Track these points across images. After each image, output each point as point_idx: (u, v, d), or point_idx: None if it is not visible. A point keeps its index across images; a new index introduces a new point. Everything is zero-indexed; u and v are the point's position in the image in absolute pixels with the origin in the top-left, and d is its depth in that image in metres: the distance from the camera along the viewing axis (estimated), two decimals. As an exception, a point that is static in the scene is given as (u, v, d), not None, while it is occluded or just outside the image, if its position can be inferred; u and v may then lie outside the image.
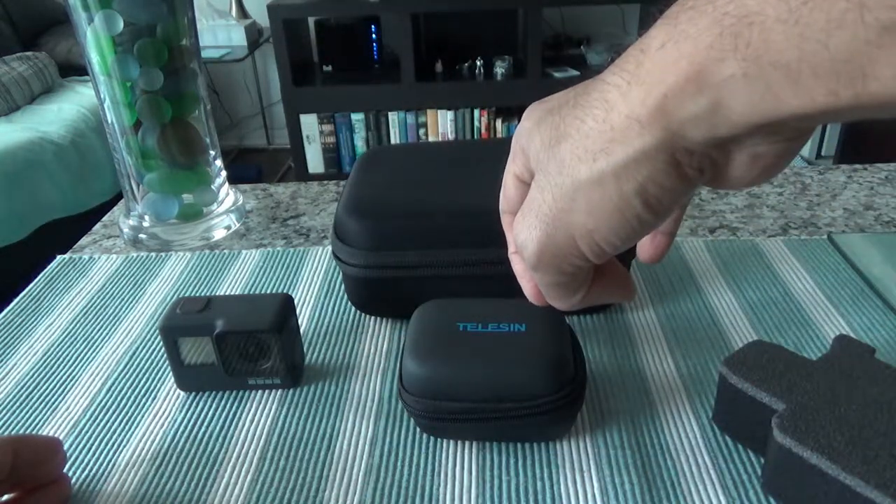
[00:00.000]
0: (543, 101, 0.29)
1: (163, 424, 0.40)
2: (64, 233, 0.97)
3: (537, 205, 0.26)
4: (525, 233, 0.27)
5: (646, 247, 0.34)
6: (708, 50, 0.20)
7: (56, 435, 0.40)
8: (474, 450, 0.37)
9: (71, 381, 0.45)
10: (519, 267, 0.32)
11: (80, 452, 0.39)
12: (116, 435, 0.40)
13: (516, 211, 0.30)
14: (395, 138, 2.82)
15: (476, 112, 2.77)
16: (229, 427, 0.40)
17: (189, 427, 0.40)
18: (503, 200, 0.32)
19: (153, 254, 0.60)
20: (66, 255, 0.61)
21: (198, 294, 0.53)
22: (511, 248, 0.33)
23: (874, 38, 0.17)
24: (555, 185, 0.25)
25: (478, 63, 2.75)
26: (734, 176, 0.24)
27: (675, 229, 0.33)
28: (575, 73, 2.66)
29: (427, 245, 0.45)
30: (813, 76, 0.18)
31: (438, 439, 0.38)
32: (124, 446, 0.39)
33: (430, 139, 2.79)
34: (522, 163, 0.29)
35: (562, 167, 0.25)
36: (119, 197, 0.65)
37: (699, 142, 0.22)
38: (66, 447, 0.38)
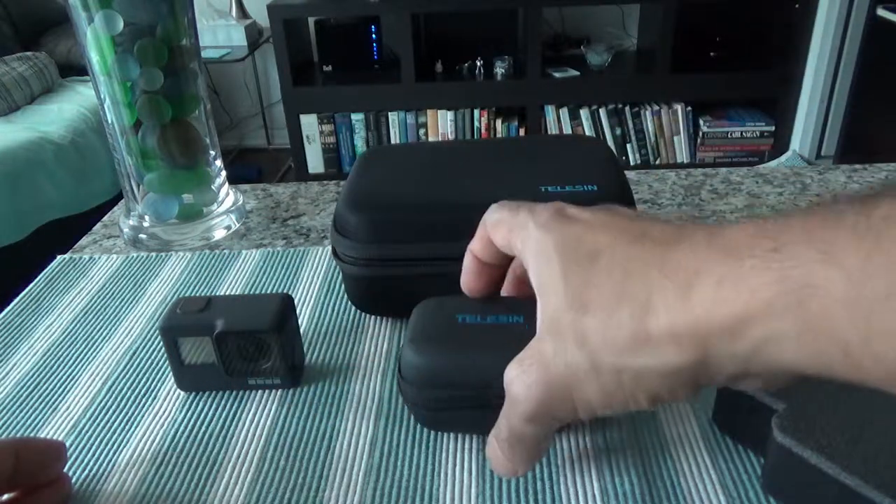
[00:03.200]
0: (565, 221, 0.28)
1: (163, 424, 0.40)
2: (64, 233, 0.97)
3: (545, 367, 0.26)
4: (524, 388, 0.27)
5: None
6: (766, 304, 0.20)
7: (56, 435, 0.40)
8: (474, 450, 0.37)
9: (71, 381, 0.45)
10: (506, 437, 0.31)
11: (80, 452, 0.39)
12: (116, 435, 0.40)
13: (480, 255, 0.33)
14: (395, 138, 2.82)
15: (476, 112, 2.77)
16: (229, 427, 0.40)
17: (189, 427, 0.40)
18: (484, 234, 0.33)
19: (153, 254, 0.60)
20: (66, 255, 0.61)
21: (198, 294, 0.53)
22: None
23: None
24: (571, 357, 0.25)
25: (478, 63, 2.76)
26: (740, 387, 0.25)
27: None
28: (575, 72, 2.66)
29: (427, 238, 0.44)
30: (873, 362, 0.18)
31: (439, 439, 0.38)
32: (124, 446, 0.39)
33: (430, 139, 2.79)
34: (516, 261, 0.31)
35: (583, 343, 0.24)
36: (119, 197, 0.65)
37: (728, 373, 0.22)
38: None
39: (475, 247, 0.35)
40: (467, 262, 0.36)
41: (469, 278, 0.36)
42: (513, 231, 0.30)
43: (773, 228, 0.21)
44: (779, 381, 0.24)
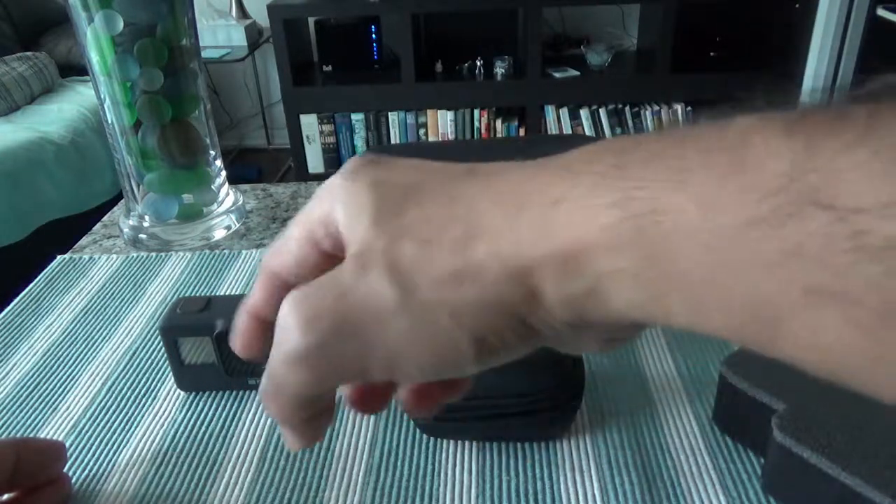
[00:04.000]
0: (378, 165, 0.22)
1: (163, 424, 0.40)
2: (64, 233, 0.97)
3: (338, 295, 0.20)
4: (301, 321, 0.20)
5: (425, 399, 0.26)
6: (602, 231, 0.17)
7: (56, 435, 0.40)
8: (474, 450, 0.37)
9: (71, 381, 0.45)
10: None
11: (80, 452, 0.39)
12: (116, 435, 0.40)
13: (290, 277, 0.23)
14: (395, 138, 2.82)
15: (476, 112, 2.76)
16: (229, 427, 0.40)
17: (189, 427, 0.40)
18: (274, 255, 0.23)
19: (153, 254, 0.60)
20: (66, 255, 0.61)
21: (198, 294, 0.53)
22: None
23: (800, 298, 0.14)
24: (377, 286, 0.20)
25: (478, 63, 2.75)
26: (578, 348, 0.22)
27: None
28: (575, 72, 2.66)
29: None
30: (716, 305, 0.16)
31: (439, 439, 0.38)
32: (124, 446, 0.39)
33: (430, 139, 2.79)
34: (326, 228, 0.22)
35: (394, 271, 0.19)
36: (119, 197, 0.65)
37: (562, 319, 0.19)
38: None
39: (257, 302, 0.24)
40: (246, 327, 0.25)
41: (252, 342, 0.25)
42: (315, 208, 0.22)
43: (619, 147, 0.18)
44: (615, 341, 0.22)
